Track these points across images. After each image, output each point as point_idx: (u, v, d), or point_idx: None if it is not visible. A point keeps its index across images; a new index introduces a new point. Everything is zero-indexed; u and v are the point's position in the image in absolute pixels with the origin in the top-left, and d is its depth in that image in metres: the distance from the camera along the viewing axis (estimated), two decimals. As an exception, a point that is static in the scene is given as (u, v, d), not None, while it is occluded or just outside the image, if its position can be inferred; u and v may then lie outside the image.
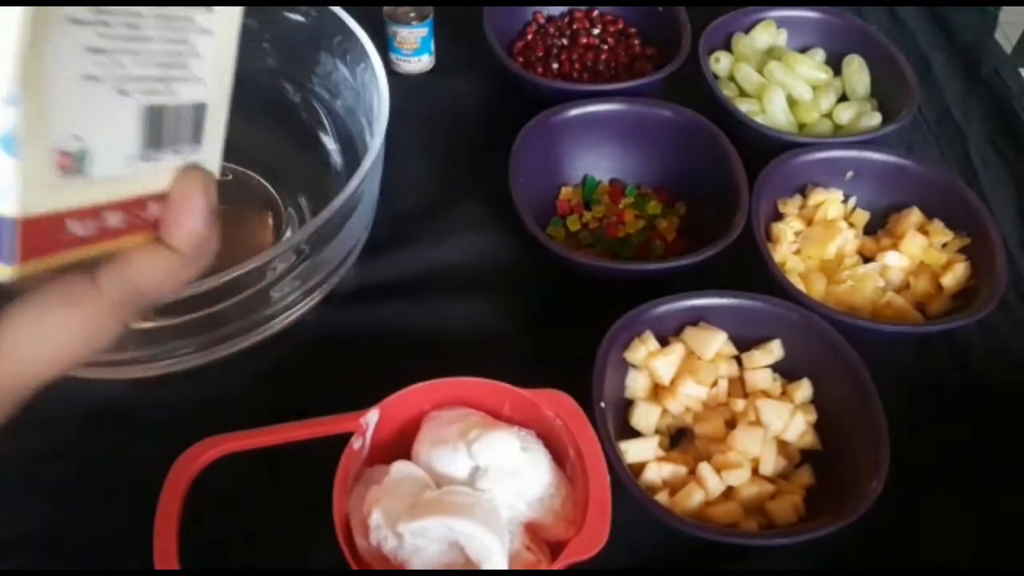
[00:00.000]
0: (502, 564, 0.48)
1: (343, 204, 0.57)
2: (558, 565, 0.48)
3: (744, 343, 0.65)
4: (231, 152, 0.83)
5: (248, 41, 0.81)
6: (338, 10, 0.69)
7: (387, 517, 0.49)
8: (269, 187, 0.77)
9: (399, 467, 0.52)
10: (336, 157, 0.76)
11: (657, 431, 0.62)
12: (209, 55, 0.34)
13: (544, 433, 0.55)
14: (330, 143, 0.77)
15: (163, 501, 0.49)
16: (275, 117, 0.79)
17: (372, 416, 0.53)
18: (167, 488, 0.49)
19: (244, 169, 0.78)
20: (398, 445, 0.55)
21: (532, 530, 0.52)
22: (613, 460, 0.54)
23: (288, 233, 0.74)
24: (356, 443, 0.53)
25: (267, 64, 0.78)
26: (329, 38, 0.72)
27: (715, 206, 0.72)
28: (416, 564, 0.49)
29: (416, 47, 0.87)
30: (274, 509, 0.58)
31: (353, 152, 0.73)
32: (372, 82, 0.66)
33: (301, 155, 0.78)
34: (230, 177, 0.78)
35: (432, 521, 0.48)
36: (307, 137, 0.78)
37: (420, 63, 0.89)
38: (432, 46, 0.89)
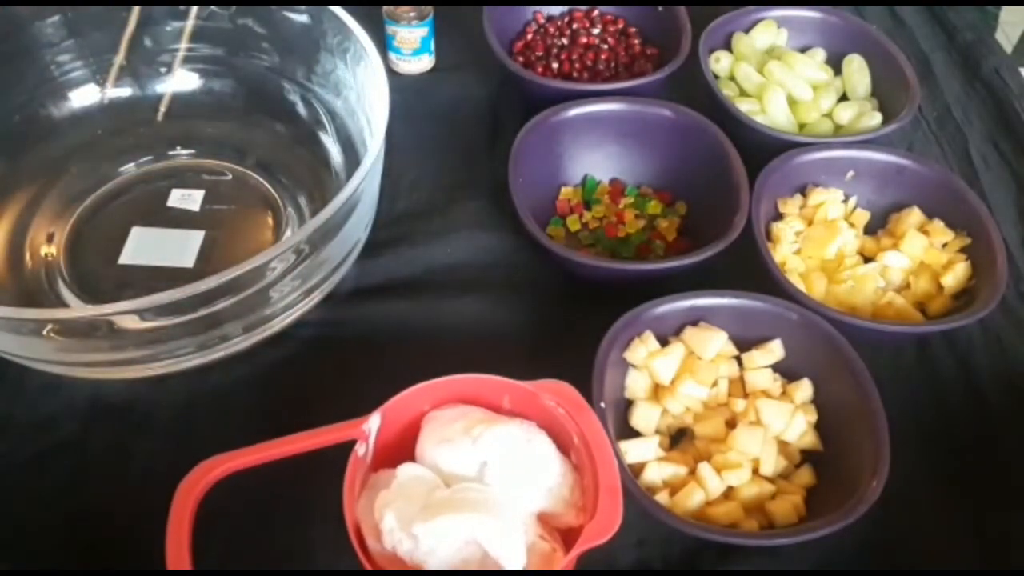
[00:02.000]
0: (521, 557, 0.49)
1: (343, 204, 0.57)
2: (576, 551, 0.48)
3: (744, 343, 0.65)
4: (231, 151, 0.84)
5: (248, 41, 0.82)
6: (338, 10, 0.69)
7: (401, 520, 0.49)
8: (269, 187, 0.77)
9: (406, 469, 0.52)
10: (336, 157, 0.76)
11: (657, 431, 0.62)
12: None
13: (546, 423, 0.55)
14: (330, 143, 0.77)
15: (171, 525, 0.48)
16: (275, 116, 0.80)
17: (374, 421, 0.53)
18: (174, 512, 0.48)
19: (244, 169, 0.79)
20: (400, 448, 0.55)
21: (543, 520, 0.53)
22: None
23: (288, 233, 0.74)
24: (360, 449, 0.52)
25: (267, 63, 0.78)
26: (329, 38, 0.72)
27: (715, 206, 0.72)
28: (433, 564, 0.49)
29: (416, 47, 0.87)
30: (279, 520, 0.57)
31: (353, 152, 0.73)
32: (372, 82, 0.66)
33: (301, 155, 0.78)
34: (229, 177, 0.78)
35: (448, 520, 0.48)
36: (307, 137, 0.78)
37: (420, 63, 0.89)
38: (432, 46, 0.89)
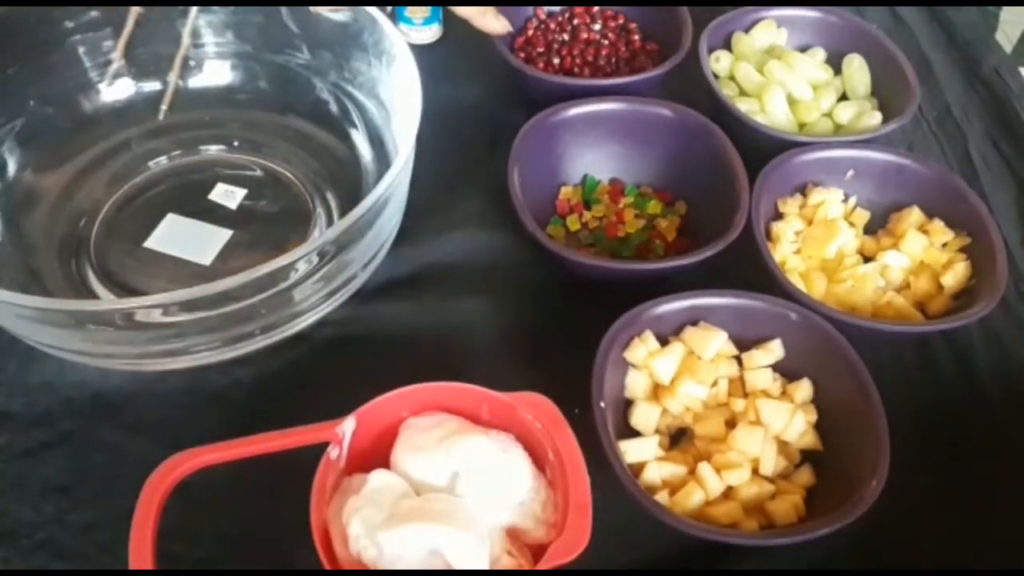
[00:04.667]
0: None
1: (370, 207, 0.57)
2: (540, 568, 0.48)
3: (744, 343, 0.65)
4: (261, 147, 0.84)
5: (281, 36, 0.81)
6: (372, 9, 0.69)
7: (366, 527, 0.48)
8: (298, 183, 0.77)
9: (377, 476, 0.52)
10: (366, 155, 0.76)
11: (657, 431, 0.62)
12: None
13: (523, 436, 0.55)
14: (361, 142, 0.77)
15: (137, 518, 0.48)
16: (306, 112, 0.80)
17: (348, 425, 0.53)
18: (140, 505, 0.48)
19: (273, 165, 0.78)
20: (377, 453, 0.54)
21: (513, 535, 0.52)
22: (613, 460, 0.54)
23: (316, 232, 0.74)
24: (333, 452, 0.52)
25: (299, 60, 0.78)
26: (362, 37, 0.72)
27: (715, 206, 0.71)
28: None
29: (427, 15, 0.88)
30: (252, 520, 0.57)
31: (382, 150, 0.73)
32: (404, 82, 0.66)
33: (331, 151, 0.78)
34: (259, 172, 0.78)
35: (411, 529, 0.48)
36: (337, 134, 0.78)
37: (431, 31, 0.90)
38: (441, 14, 0.90)
